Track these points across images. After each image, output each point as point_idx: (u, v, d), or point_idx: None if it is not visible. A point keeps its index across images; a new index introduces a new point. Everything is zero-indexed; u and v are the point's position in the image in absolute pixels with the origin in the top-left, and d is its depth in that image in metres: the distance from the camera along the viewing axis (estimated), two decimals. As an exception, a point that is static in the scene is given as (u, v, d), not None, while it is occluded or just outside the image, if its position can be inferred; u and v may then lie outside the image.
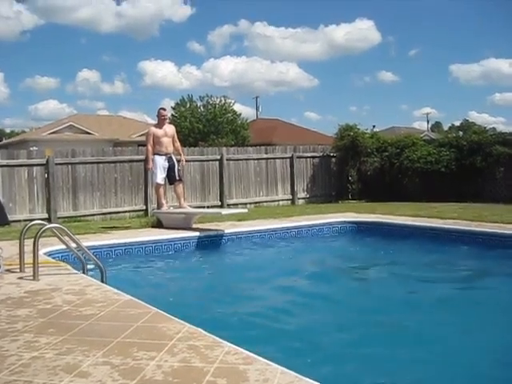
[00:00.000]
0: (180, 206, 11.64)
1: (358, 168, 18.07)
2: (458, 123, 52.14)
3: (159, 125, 11.57)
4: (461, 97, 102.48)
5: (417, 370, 4.30)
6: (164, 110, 12.05)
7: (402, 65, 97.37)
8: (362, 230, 11.47)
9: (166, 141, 11.43)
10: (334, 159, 18.53)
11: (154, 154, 11.37)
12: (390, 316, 5.86)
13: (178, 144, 11.79)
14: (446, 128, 55.76)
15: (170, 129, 11.66)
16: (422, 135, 24.93)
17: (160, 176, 11.38)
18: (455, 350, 4.69)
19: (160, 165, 11.34)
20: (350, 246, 11.02)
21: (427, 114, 71.57)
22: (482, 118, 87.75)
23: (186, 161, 13.60)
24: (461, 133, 18.47)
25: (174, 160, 11.54)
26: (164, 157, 11.38)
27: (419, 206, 13.69)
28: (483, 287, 7.32)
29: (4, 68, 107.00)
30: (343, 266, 9.17)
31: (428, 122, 70.30)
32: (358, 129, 18.51)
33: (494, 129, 19.50)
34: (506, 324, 5.48)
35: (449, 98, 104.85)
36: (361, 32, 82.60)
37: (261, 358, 3.30)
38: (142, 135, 37.15)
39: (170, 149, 11.52)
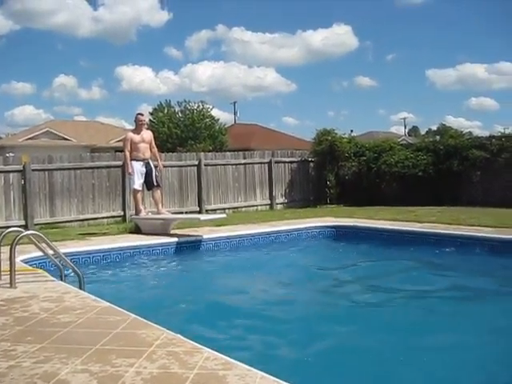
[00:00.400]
0: (158, 212, 11.61)
1: (336, 173, 18.14)
2: (434, 127, 52.52)
3: (137, 130, 11.55)
4: (437, 101, 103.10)
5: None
6: (141, 115, 12.02)
7: (379, 69, 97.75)
8: (340, 234, 11.53)
9: (144, 146, 11.41)
10: (312, 164, 18.57)
11: (132, 159, 11.33)
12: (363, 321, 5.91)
13: (155, 149, 11.78)
14: (423, 132, 55.95)
15: (147, 134, 11.64)
16: (399, 139, 25.05)
17: (137, 182, 11.35)
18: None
19: (137, 170, 11.31)
20: (328, 250, 11.06)
21: (404, 118, 72.12)
22: (458, 122, 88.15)
23: (164, 166, 13.58)
24: (438, 137, 18.54)
25: (152, 165, 11.52)
26: (141, 162, 11.35)
27: (397, 210, 13.78)
28: (464, 288, 7.40)
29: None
30: (320, 269, 9.21)
31: (405, 126, 70.83)
32: (336, 133, 18.57)
33: (470, 133, 19.65)
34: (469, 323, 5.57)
35: (425, 103, 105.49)
36: (338, 37, 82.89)
37: (240, 364, 3.30)
38: (119, 141, 36.99)
39: (148, 154, 11.50)
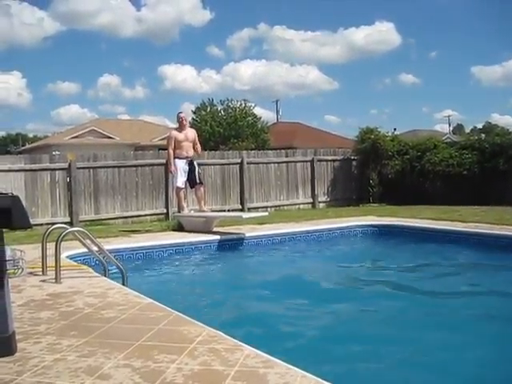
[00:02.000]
0: (200, 210, 11.67)
1: (378, 171, 18.00)
2: (480, 125, 51.69)
3: (180, 128, 11.64)
4: (483, 99, 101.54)
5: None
6: (182, 113, 12.10)
7: (422, 67, 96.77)
8: (383, 233, 11.42)
9: (187, 145, 11.49)
10: (354, 162, 18.47)
11: (175, 157, 11.42)
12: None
13: (198, 147, 11.83)
14: (468, 130, 55.23)
15: (191, 133, 11.71)
16: (443, 138, 24.73)
17: (181, 179, 11.42)
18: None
19: (181, 168, 11.39)
20: (371, 249, 10.98)
21: (449, 116, 70.92)
22: (504, 120, 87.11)
23: (207, 164, 13.70)
24: (483, 135, 18.26)
25: (195, 163, 11.59)
26: (185, 160, 11.42)
27: (441, 210, 13.58)
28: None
29: (27, 74, 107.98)
30: (363, 268, 9.14)
31: (449, 124, 69.73)
32: (379, 132, 18.44)
33: (516, 131, 19.25)
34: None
35: (470, 100, 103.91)
36: (381, 34, 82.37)
37: (281, 362, 3.29)
38: (162, 139, 37.26)
39: (191, 153, 11.58)
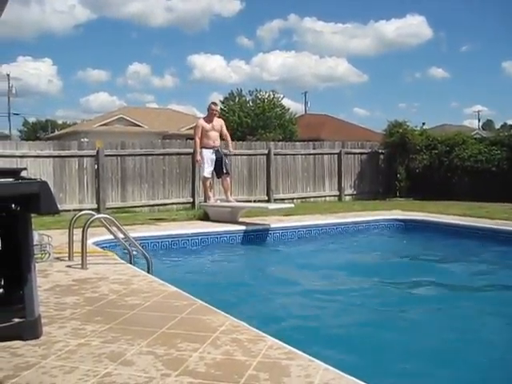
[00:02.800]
0: (227, 200, 11.70)
1: (406, 165, 17.86)
2: (510, 121, 51.05)
3: (208, 118, 11.60)
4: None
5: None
6: (215, 104, 12.08)
7: (453, 61, 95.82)
8: (409, 228, 11.35)
9: (214, 134, 11.48)
10: (382, 156, 18.35)
11: (202, 147, 11.43)
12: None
13: (227, 135, 11.78)
14: (497, 126, 54.50)
15: (217, 122, 11.67)
16: (472, 133, 24.44)
17: (207, 169, 11.43)
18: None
19: (208, 158, 11.39)
20: (398, 244, 10.91)
21: (478, 111, 70.25)
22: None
23: (234, 155, 13.68)
24: (513, 131, 18.01)
25: (222, 153, 11.59)
26: (212, 150, 11.42)
27: (468, 206, 13.45)
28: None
29: (57, 61, 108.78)
30: (393, 263, 9.08)
31: (479, 120, 68.98)
32: (408, 126, 18.29)
33: (548, 127, 19.00)
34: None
35: (501, 96, 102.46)
36: (411, 27, 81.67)
37: (304, 354, 3.29)
38: (190, 128, 37.36)
39: (218, 142, 11.58)
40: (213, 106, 11.77)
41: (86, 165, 13.59)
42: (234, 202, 11.92)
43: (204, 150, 11.41)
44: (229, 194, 11.80)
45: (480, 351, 4.61)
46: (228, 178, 11.86)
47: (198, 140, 11.44)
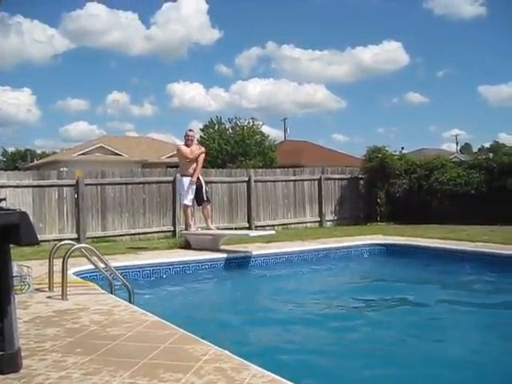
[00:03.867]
0: (207, 228, 11.66)
1: (386, 190, 17.97)
2: (487, 145, 51.55)
3: (186, 145, 11.56)
4: (490, 118, 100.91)
5: None
6: (191, 131, 12.09)
7: (430, 86, 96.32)
8: (391, 252, 11.38)
9: (193, 162, 11.45)
10: (362, 181, 18.46)
11: (182, 175, 11.42)
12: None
13: (199, 164, 11.66)
14: (475, 150, 55.09)
15: (196, 150, 11.60)
16: (451, 157, 24.70)
17: (188, 197, 11.40)
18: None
19: (188, 186, 11.36)
20: (379, 268, 10.94)
21: (456, 135, 70.69)
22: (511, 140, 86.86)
23: (214, 182, 13.71)
24: (491, 154, 18.23)
25: (202, 181, 11.57)
26: (191, 178, 11.39)
27: (449, 229, 13.53)
28: None
29: (36, 91, 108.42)
30: (373, 287, 9.09)
31: (457, 143, 69.65)
32: (387, 150, 18.45)
33: (524, 151, 19.20)
34: None
35: (478, 120, 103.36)
36: (388, 53, 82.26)
37: (288, 382, 3.27)
38: (170, 156, 37.40)
39: (198, 171, 11.53)
40: (188, 132, 11.71)
41: (66, 194, 13.52)
42: (215, 229, 11.89)
43: (184, 178, 11.38)
44: (209, 221, 11.76)
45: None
46: (208, 206, 11.85)
47: (190, 156, 11.34)
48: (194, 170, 11.38)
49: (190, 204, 11.57)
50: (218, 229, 12.60)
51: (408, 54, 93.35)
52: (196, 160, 11.44)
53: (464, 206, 15.99)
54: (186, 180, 11.38)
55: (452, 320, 6.83)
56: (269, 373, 3.44)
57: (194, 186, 11.39)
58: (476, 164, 17.11)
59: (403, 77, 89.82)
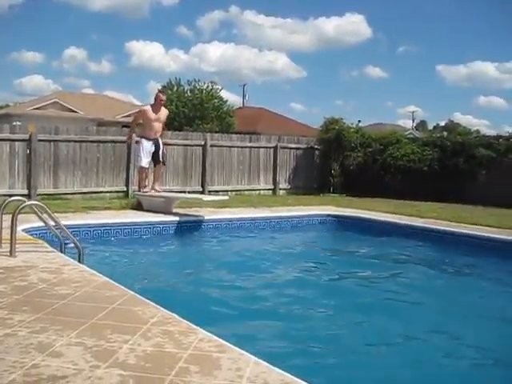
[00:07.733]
0: (153, 188, 11.55)
1: (341, 162, 18.09)
2: (442, 123, 52.11)
3: (155, 108, 11.40)
4: (446, 97, 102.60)
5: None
6: (163, 93, 11.91)
7: (390, 61, 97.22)
8: (341, 224, 11.53)
9: (157, 126, 11.35)
10: (317, 152, 18.53)
11: (142, 137, 11.33)
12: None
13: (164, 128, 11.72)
14: (430, 127, 55.82)
15: (162, 113, 11.50)
16: (406, 133, 24.95)
17: (145, 160, 11.32)
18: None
19: (147, 149, 11.26)
20: (328, 239, 11.11)
21: (412, 112, 71.58)
22: (466, 120, 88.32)
23: (170, 144, 13.60)
24: (445, 133, 18.50)
25: (160, 143, 11.47)
26: (152, 142, 11.29)
27: (400, 204, 13.77)
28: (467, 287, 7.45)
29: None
30: (318, 257, 9.24)
31: (413, 120, 70.34)
32: (344, 123, 18.55)
33: (478, 131, 19.60)
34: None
35: (434, 98, 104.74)
36: (351, 26, 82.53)
37: (235, 347, 3.31)
38: (126, 116, 36.95)
39: (159, 134, 11.45)
40: (161, 96, 11.57)
41: (18, 149, 13.22)
42: (161, 191, 11.77)
43: (144, 140, 11.28)
44: (157, 184, 11.66)
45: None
46: (161, 168, 11.78)
47: (134, 126, 11.37)
48: (156, 133, 11.31)
49: (147, 166, 11.50)
50: (172, 192, 12.53)
51: (371, 28, 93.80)
52: (159, 123, 11.36)
53: (416, 182, 16.26)
54: (146, 142, 11.27)
55: (379, 291, 7.02)
56: (216, 338, 3.47)
57: (153, 149, 11.30)
58: (430, 141, 17.36)
59: (364, 50, 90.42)
